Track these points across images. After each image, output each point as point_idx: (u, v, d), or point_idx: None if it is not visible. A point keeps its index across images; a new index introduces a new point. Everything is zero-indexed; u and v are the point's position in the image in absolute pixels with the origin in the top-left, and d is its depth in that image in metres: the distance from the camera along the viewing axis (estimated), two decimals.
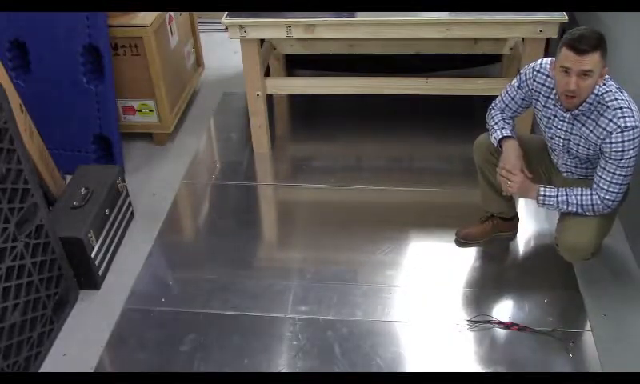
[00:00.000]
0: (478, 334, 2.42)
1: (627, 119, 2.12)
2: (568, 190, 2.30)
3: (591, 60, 2.06)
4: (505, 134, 2.40)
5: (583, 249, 2.35)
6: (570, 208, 2.29)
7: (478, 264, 2.74)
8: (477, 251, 2.79)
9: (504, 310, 2.51)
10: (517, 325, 2.42)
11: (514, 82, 2.43)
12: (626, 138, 2.13)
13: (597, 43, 2.06)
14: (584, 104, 2.18)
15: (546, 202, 2.33)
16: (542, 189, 2.33)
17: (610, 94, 2.16)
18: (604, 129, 2.16)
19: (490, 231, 2.79)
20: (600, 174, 2.23)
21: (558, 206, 2.32)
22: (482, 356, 2.34)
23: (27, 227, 2.28)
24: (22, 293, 2.25)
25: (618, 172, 2.19)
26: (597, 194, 2.25)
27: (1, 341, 2.14)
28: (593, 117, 2.19)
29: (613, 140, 2.14)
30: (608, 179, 2.21)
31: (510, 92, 2.45)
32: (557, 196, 2.30)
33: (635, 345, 2.36)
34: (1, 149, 2.12)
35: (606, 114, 2.16)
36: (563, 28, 2.92)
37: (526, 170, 2.36)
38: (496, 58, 3.79)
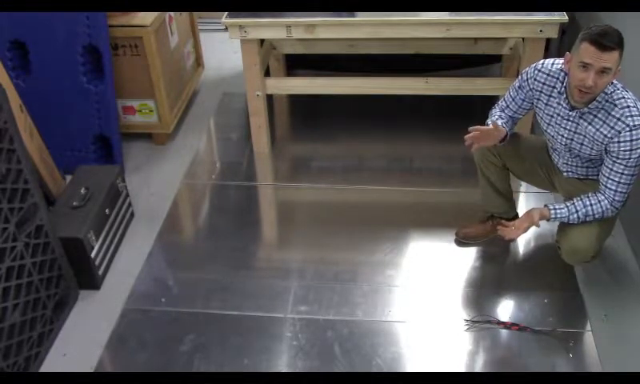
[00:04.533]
0: (478, 333, 2.42)
1: (635, 118, 2.12)
2: (577, 204, 2.29)
3: (612, 57, 2.05)
4: (494, 121, 2.39)
5: (585, 251, 2.35)
6: (580, 221, 2.30)
7: (478, 264, 2.74)
8: (477, 251, 2.79)
9: (504, 309, 2.51)
10: (517, 325, 2.42)
11: (516, 82, 2.43)
12: (634, 137, 2.12)
13: (619, 41, 2.05)
14: (593, 102, 2.18)
15: (558, 217, 2.33)
16: (552, 210, 2.31)
17: (617, 92, 2.16)
18: (612, 128, 2.16)
19: (490, 231, 2.79)
20: (607, 174, 2.23)
21: (569, 219, 2.32)
22: (482, 356, 2.34)
23: (27, 227, 2.28)
24: (22, 293, 2.26)
25: (626, 172, 2.19)
26: (606, 197, 2.25)
27: (1, 341, 2.14)
28: (600, 115, 2.19)
29: (621, 139, 2.14)
30: (616, 179, 2.21)
31: (511, 93, 2.45)
32: (568, 216, 2.30)
33: (635, 345, 2.36)
34: (1, 149, 2.12)
35: (613, 113, 2.15)
36: (563, 28, 2.92)
37: (497, 133, 2.34)
38: (496, 58, 3.79)
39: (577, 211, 2.29)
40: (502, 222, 2.46)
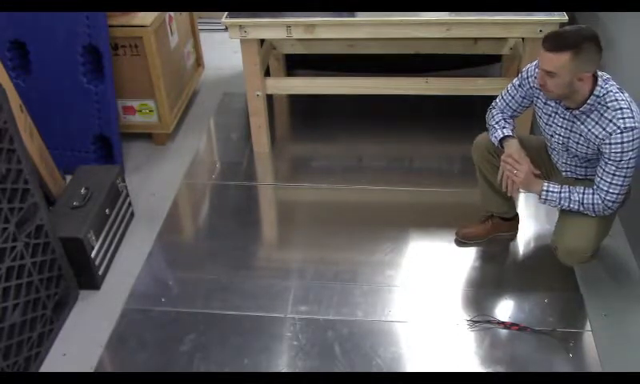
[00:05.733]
0: (478, 334, 2.42)
1: (627, 120, 2.11)
2: (571, 187, 2.30)
3: (553, 61, 2.05)
4: (506, 134, 2.40)
5: (581, 252, 2.34)
6: (571, 205, 2.29)
7: (477, 264, 2.74)
8: (477, 251, 2.79)
9: (504, 309, 2.51)
10: (517, 325, 2.42)
11: (515, 80, 2.43)
12: (625, 139, 2.12)
13: (567, 44, 2.04)
14: (584, 105, 2.18)
15: (549, 197, 2.32)
16: (545, 183, 2.32)
17: (610, 94, 2.15)
18: (603, 129, 2.16)
19: (490, 231, 2.79)
20: (600, 175, 2.23)
21: (559, 203, 2.31)
22: (482, 356, 2.34)
23: (27, 227, 2.28)
24: (22, 293, 2.26)
25: (617, 173, 2.18)
26: (598, 194, 2.25)
27: (1, 341, 2.14)
28: (593, 116, 2.19)
29: (612, 141, 2.14)
30: (608, 180, 2.21)
31: (510, 91, 2.45)
32: (560, 192, 2.30)
33: (635, 345, 2.36)
34: (1, 149, 2.12)
35: (606, 115, 2.15)
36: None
37: (535, 169, 2.36)
38: (496, 58, 3.79)
39: (569, 192, 2.28)
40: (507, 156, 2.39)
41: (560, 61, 2.05)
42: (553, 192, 2.31)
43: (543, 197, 2.33)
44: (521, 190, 2.40)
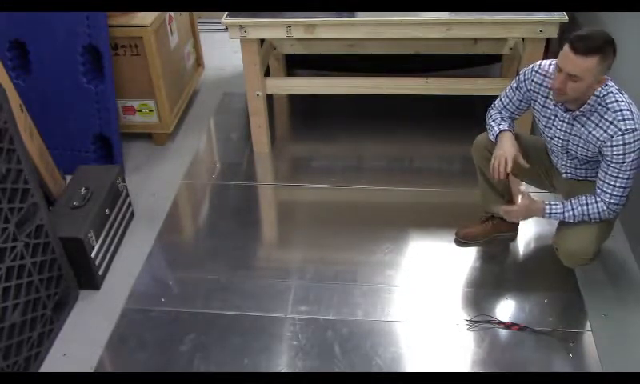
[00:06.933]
0: (478, 334, 2.42)
1: (627, 122, 2.11)
2: (573, 202, 2.30)
3: (582, 64, 2.03)
4: (502, 129, 2.40)
5: (583, 254, 2.35)
6: (577, 220, 2.30)
7: (478, 264, 2.74)
8: (477, 251, 2.79)
9: (504, 310, 2.51)
10: (517, 325, 2.42)
11: (513, 83, 2.43)
12: (627, 141, 2.12)
13: (595, 48, 2.02)
14: (584, 106, 2.17)
15: (552, 218, 2.34)
16: (547, 206, 2.33)
17: (610, 95, 2.15)
18: (604, 131, 2.16)
19: (490, 231, 2.79)
20: (603, 178, 2.23)
21: (564, 219, 2.32)
22: (482, 356, 2.34)
23: (27, 227, 2.28)
24: (22, 293, 2.25)
25: (620, 175, 2.18)
26: (602, 199, 2.24)
27: (1, 341, 2.14)
28: (593, 118, 2.19)
29: (614, 143, 2.14)
30: (611, 183, 2.20)
31: (508, 93, 2.45)
32: (563, 212, 2.31)
33: (635, 345, 2.36)
34: (1, 149, 2.12)
35: (606, 117, 2.15)
36: (563, 28, 2.93)
37: (522, 159, 2.35)
38: (496, 58, 3.79)
39: (572, 209, 2.29)
40: (504, 208, 2.46)
41: (588, 64, 2.03)
42: (556, 214, 2.33)
43: (547, 218, 2.35)
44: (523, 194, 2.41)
